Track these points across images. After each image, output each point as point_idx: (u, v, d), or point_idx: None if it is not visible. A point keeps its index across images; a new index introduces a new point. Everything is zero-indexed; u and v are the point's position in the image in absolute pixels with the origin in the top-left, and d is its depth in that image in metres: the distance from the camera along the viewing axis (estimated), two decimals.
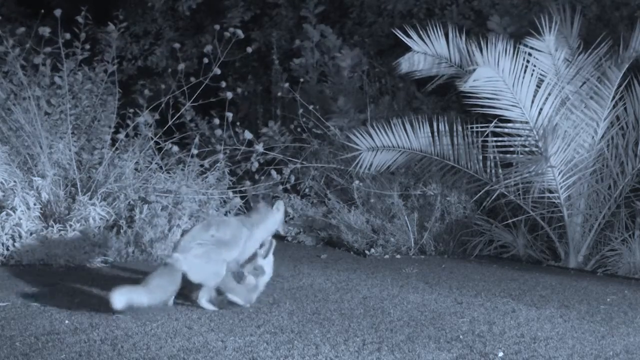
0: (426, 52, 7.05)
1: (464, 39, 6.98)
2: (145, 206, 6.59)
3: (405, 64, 7.11)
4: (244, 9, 9.44)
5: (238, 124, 8.06)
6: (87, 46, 7.23)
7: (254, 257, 4.98)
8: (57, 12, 6.53)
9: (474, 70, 6.54)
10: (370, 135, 7.09)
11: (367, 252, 7.07)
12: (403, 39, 7.04)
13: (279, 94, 8.76)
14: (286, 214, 7.64)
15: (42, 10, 6.99)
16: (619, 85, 6.76)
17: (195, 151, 7.10)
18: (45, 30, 6.55)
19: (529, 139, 6.75)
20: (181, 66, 6.96)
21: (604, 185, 6.80)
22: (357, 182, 7.37)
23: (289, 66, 8.97)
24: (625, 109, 6.81)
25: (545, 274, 6.35)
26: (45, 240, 6.13)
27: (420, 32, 7.02)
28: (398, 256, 7.04)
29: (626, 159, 6.75)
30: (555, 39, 6.83)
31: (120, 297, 4.33)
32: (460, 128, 7.07)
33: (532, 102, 6.71)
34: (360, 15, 9.11)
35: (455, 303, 5.13)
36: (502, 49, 6.64)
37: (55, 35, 6.61)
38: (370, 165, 7.09)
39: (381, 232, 7.19)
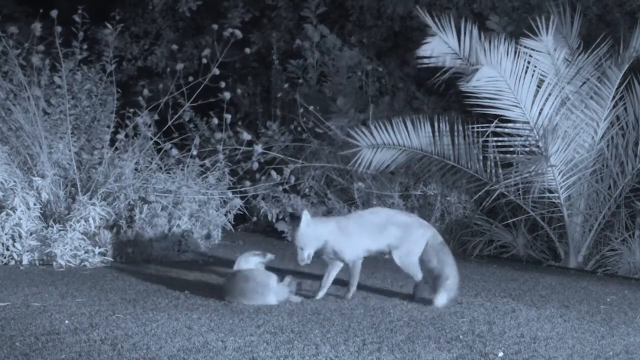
0: (446, 41, 6.96)
1: (475, 32, 6.92)
2: (145, 206, 6.60)
3: (434, 44, 6.94)
4: (244, 9, 9.44)
5: (240, 123, 8.06)
6: (85, 46, 7.24)
7: None
8: (53, 13, 6.52)
9: (477, 69, 6.54)
10: (371, 133, 7.08)
11: None
12: (427, 22, 6.89)
13: (279, 94, 8.75)
14: (286, 213, 7.66)
15: (41, 10, 6.98)
16: (619, 85, 6.76)
17: (195, 151, 7.10)
18: (37, 27, 6.53)
19: (529, 139, 6.75)
20: (179, 66, 6.94)
21: (604, 185, 6.80)
22: (359, 183, 7.36)
23: (288, 68, 8.97)
24: (625, 109, 6.81)
25: (545, 274, 6.35)
26: (45, 240, 6.13)
27: (435, 20, 6.94)
28: None
29: (626, 159, 6.75)
30: (553, 39, 6.83)
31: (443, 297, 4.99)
32: (460, 128, 7.07)
33: (533, 102, 6.71)
34: (360, 18, 9.10)
35: (455, 303, 5.12)
36: (504, 50, 6.64)
37: (53, 35, 6.61)
38: (370, 163, 7.08)
39: None
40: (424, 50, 6.99)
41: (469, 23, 6.96)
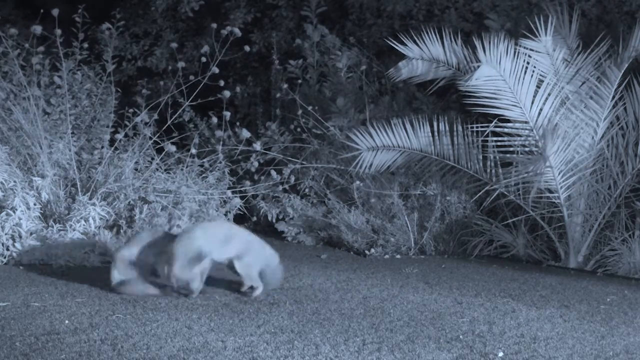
0: (422, 57, 7.04)
1: (459, 42, 6.99)
2: (145, 206, 6.60)
3: (405, 69, 7.11)
4: (246, 10, 9.44)
5: (238, 124, 8.04)
6: (86, 45, 7.24)
7: None
8: (55, 12, 6.52)
9: (477, 67, 6.54)
10: (371, 135, 7.09)
11: (367, 252, 7.07)
12: (398, 48, 7.04)
13: (278, 94, 8.75)
14: (286, 213, 7.65)
15: (42, 11, 6.99)
16: (619, 85, 6.76)
17: (194, 151, 7.10)
18: (37, 29, 6.54)
19: (529, 138, 6.75)
20: (181, 64, 6.95)
21: (604, 185, 6.80)
22: (357, 182, 7.36)
23: (288, 67, 8.96)
24: (625, 109, 6.81)
25: (545, 274, 6.35)
26: (45, 240, 6.13)
27: (416, 37, 7.02)
28: (398, 256, 7.04)
29: (626, 159, 6.75)
30: (552, 39, 6.83)
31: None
32: (460, 128, 7.07)
33: (532, 101, 6.71)
34: (360, 16, 9.10)
35: (455, 303, 5.13)
36: (504, 49, 6.64)
37: (54, 35, 6.61)
38: (370, 165, 7.09)
39: (381, 232, 7.19)
40: (403, 72, 7.09)
41: (451, 33, 7.01)
